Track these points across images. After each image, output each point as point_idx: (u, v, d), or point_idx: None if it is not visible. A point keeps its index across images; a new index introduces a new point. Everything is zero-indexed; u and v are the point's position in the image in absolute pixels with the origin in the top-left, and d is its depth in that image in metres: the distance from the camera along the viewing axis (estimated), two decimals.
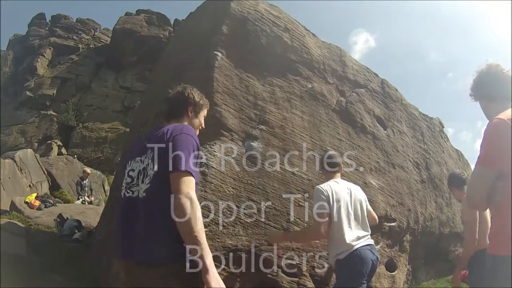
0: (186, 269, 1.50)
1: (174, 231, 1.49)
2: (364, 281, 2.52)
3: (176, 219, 1.48)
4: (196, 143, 1.67)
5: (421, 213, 4.42)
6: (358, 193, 2.81)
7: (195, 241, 1.45)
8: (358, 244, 2.53)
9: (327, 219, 2.50)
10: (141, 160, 1.71)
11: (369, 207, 2.96)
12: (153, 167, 1.62)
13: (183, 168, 1.53)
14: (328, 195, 2.55)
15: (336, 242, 2.56)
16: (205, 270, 1.43)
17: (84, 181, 9.40)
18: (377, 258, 2.65)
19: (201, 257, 1.44)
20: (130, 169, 1.75)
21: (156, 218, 1.56)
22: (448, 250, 5.33)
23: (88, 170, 10.17)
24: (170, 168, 1.55)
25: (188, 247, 1.47)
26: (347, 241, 2.51)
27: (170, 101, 1.94)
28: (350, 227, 2.57)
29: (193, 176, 1.56)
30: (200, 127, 1.98)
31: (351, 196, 2.69)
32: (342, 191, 2.65)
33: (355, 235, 2.56)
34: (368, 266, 2.53)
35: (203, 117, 1.99)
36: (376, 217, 3.14)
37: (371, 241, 2.68)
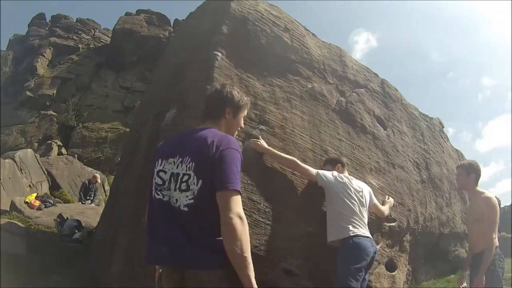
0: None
1: (221, 242, 1.47)
2: (364, 269, 2.76)
3: (226, 239, 1.45)
4: (241, 157, 1.62)
5: (421, 213, 4.42)
6: (365, 189, 3.15)
7: (244, 262, 1.44)
8: (358, 232, 2.81)
9: (321, 179, 2.94)
10: (174, 162, 1.62)
11: (376, 202, 3.33)
12: (197, 182, 1.53)
13: (232, 188, 1.50)
14: (335, 178, 2.97)
15: (337, 225, 2.87)
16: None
17: (91, 186, 9.31)
18: (376, 250, 2.91)
19: (248, 277, 1.43)
20: (161, 169, 1.65)
21: (202, 232, 1.52)
22: (448, 250, 5.33)
23: (99, 179, 9.86)
24: (219, 186, 1.50)
25: (235, 266, 1.45)
26: (349, 227, 2.81)
27: (207, 100, 1.83)
28: (353, 215, 2.88)
29: (240, 194, 1.53)
30: (239, 128, 1.88)
31: (358, 189, 3.02)
32: (352, 182, 3.04)
33: (357, 224, 2.86)
34: (370, 255, 2.79)
35: (242, 118, 1.88)
36: (383, 210, 3.44)
37: (369, 235, 2.93)
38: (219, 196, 1.50)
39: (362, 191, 3.06)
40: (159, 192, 1.63)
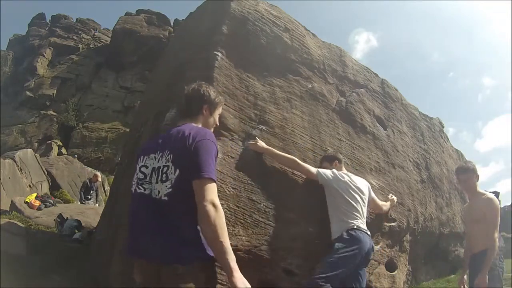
0: (209, 268, 1.57)
1: (197, 233, 1.54)
2: (355, 262, 2.78)
3: (202, 226, 1.52)
4: (217, 150, 1.69)
5: (421, 213, 4.42)
6: (364, 185, 3.19)
7: (221, 246, 1.49)
8: (359, 225, 2.88)
9: (322, 177, 2.97)
10: (155, 157, 1.69)
11: (375, 197, 3.38)
12: (175, 172, 1.60)
13: (207, 175, 1.57)
14: (335, 176, 3.00)
15: (340, 221, 2.90)
16: (230, 273, 1.49)
17: (92, 184, 9.31)
18: (372, 246, 2.95)
19: (226, 261, 1.49)
20: (143, 164, 1.73)
21: (179, 221, 1.56)
22: (448, 250, 5.33)
23: (99, 177, 9.88)
24: (194, 174, 1.56)
25: (213, 251, 1.53)
26: (352, 221, 2.86)
27: (185, 99, 1.92)
28: (355, 212, 2.93)
29: (216, 182, 1.59)
30: (215, 125, 1.98)
31: (358, 186, 3.06)
32: (352, 179, 3.08)
33: (359, 221, 2.91)
34: (363, 249, 2.81)
35: (217, 115, 1.99)
36: (381, 205, 3.47)
37: (368, 231, 2.97)
38: (195, 184, 1.56)
39: (361, 188, 3.11)
40: (140, 186, 1.69)
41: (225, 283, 1.81)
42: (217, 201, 1.55)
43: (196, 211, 1.55)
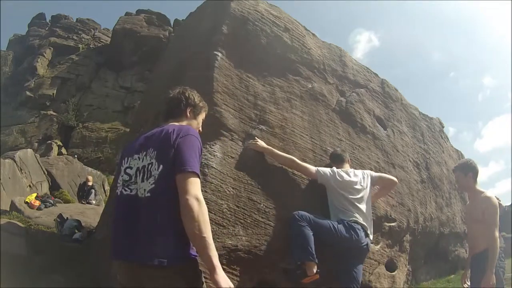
0: (192, 268, 1.54)
1: (179, 231, 1.50)
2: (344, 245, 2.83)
3: (184, 221, 1.49)
4: (201, 146, 1.68)
5: (421, 213, 4.42)
6: (365, 177, 3.17)
7: (204, 242, 1.46)
8: (356, 220, 2.89)
9: (321, 176, 2.99)
10: (139, 157, 1.68)
11: (381, 174, 3.43)
12: (158, 167, 1.58)
13: (190, 169, 1.54)
14: (334, 174, 3.01)
15: (337, 218, 2.91)
16: (213, 270, 1.46)
17: (86, 187, 9.48)
18: (368, 244, 2.94)
19: (209, 258, 1.46)
20: (128, 166, 1.71)
21: (161, 218, 1.54)
22: (448, 250, 5.33)
23: (90, 181, 9.94)
24: (177, 169, 1.55)
25: (196, 248, 1.51)
26: (348, 218, 2.88)
27: (169, 101, 1.93)
28: (355, 210, 2.93)
29: (199, 177, 1.57)
30: (198, 130, 1.94)
31: (357, 181, 3.06)
32: (351, 176, 3.07)
33: (356, 217, 2.91)
34: (360, 243, 2.84)
35: (201, 120, 1.99)
36: (390, 177, 3.46)
37: (368, 230, 2.96)
38: (178, 179, 1.54)
39: (362, 183, 3.09)
40: (126, 188, 1.67)
41: None
42: (201, 196, 1.52)
43: (179, 208, 1.51)
